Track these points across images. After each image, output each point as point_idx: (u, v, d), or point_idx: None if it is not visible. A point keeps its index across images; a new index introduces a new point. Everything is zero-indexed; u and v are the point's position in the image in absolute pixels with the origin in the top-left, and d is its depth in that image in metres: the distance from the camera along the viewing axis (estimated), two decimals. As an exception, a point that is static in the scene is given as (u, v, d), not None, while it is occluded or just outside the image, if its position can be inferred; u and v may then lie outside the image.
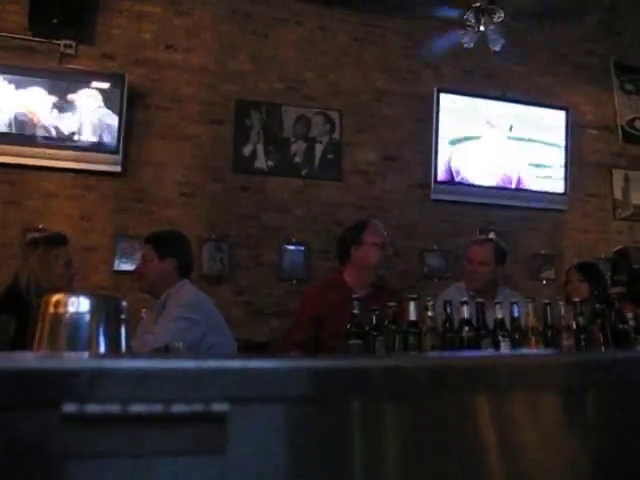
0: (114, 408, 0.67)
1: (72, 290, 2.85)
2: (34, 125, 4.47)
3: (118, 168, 4.64)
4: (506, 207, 5.54)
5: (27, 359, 0.75)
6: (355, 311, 2.29)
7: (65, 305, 1.06)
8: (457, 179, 5.41)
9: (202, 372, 0.71)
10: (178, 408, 0.68)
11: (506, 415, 0.93)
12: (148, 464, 0.69)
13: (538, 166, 5.65)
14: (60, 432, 0.66)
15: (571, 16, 5.85)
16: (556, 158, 5.69)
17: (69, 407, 0.66)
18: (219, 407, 0.70)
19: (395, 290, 3.36)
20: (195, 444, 0.69)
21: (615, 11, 6.27)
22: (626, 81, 6.20)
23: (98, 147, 4.57)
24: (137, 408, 0.67)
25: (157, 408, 0.68)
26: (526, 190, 5.59)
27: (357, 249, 3.13)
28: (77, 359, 0.81)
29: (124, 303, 1.16)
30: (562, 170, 5.68)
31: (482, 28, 5.16)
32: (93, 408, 0.66)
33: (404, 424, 0.86)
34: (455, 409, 0.89)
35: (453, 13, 5.31)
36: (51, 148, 4.48)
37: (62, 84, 4.57)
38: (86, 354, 0.99)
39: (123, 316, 1.13)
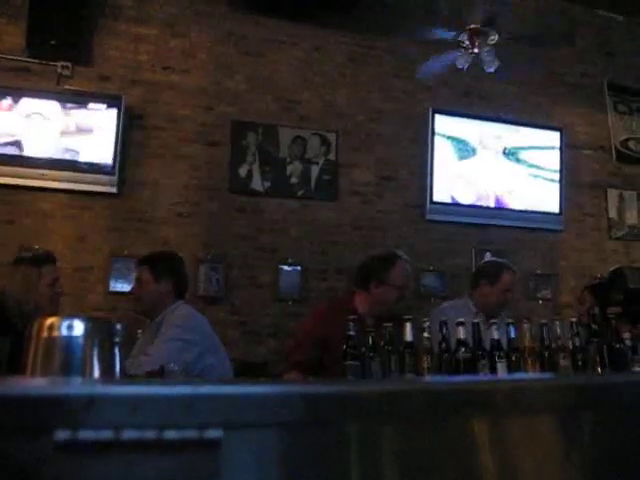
0: (107, 435, 0.66)
1: (56, 311, 2.81)
2: (31, 146, 4.48)
3: (114, 189, 4.64)
4: (502, 227, 5.55)
5: (19, 385, 0.74)
6: (351, 332, 2.28)
7: (59, 329, 1.05)
8: (452, 199, 5.44)
9: (195, 398, 0.70)
10: (171, 434, 0.68)
11: (503, 438, 0.92)
12: (141, 491, 0.69)
13: (533, 186, 5.67)
14: (53, 459, 0.65)
15: (564, 38, 5.91)
16: (551, 178, 5.72)
17: (62, 434, 0.65)
18: (213, 433, 0.69)
19: (399, 314, 3.32)
20: (189, 471, 0.69)
21: (608, 32, 6.34)
22: (620, 102, 6.25)
23: (95, 168, 4.57)
24: (130, 434, 0.67)
25: (150, 434, 0.67)
26: (522, 210, 5.61)
27: (377, 286, 3.03)
28: (70, 385, 0.81)
29: (118, 326, 1.16)
30: (557, 190, 5.70)
31: (476, 50, 5.21)
32: (86, 435, 0.66)
33: (400, 449, 0.85)
34: (452, 432, 0.88)
35: (448, 35, 5.36)
36: (47, 169, 4.48)
37: (59, 105, 4.58)
38: (79, 380, 0.99)
39: (117, 339, 1.13)
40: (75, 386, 0.79)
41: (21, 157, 4.45)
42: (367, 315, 2.95)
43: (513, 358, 2.35)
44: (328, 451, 0.79)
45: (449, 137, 5.49)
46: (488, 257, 4.87)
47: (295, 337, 3.29)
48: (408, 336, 2.25)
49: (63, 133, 4.56)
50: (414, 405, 0.85)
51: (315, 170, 5.18)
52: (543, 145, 5.75)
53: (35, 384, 0.85)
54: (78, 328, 1.07)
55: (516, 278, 3.50)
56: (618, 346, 2.52)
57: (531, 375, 2.14)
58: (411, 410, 0.84)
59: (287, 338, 4.39)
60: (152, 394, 0.70)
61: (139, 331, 3.09)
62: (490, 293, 3.36)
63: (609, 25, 6.36)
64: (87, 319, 1.08)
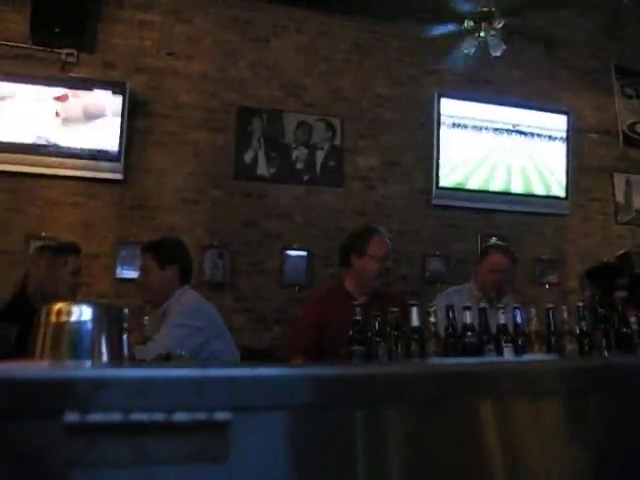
0: (116, 417, 0.67)
1: (74, 299, 2.85)
2: (36, 133, 4.48)
3: (120, 176, 4.64)
4: (508, 212, 5.54)
5: (29, 368, 0.75)
6: (357, 317, 2.28)
7: (67, 314, 1.06)
8: (458, 184, 5.43)
9: (204, 381, 0.71)
10: (180, 417, 0.68)
11: (510, 420, 0.92)
12: (150, 473, 0.69)
13: (539, 170, 5.65)
14: (63, 441, 0.66)
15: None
16: (558, 162, 5.70)
17: (71, 416, 0.65)
18: (222, 416, 0.70)
19: (394, 295, 3.33)
20: (197, 453, 0.69)
21: (616, 15, 6.28)
22: (627, 85, 6.21)
23: (100, 155, 4.57)
24: (139, 417, 0.67)
25: (159, 417, 0.68)
26: (528, 195, 5.59)
27: (358, 259, 3.10)
28: (79, 368, 0.81)
29: (126, 311, 1.16)
30: (563, 174, 5.68)
31: (482, 34, 5.18)
32: (95, 417, 0.66)
33: (407, 431, 0.85)
34: (458, 414, 0.89)
35: (454, 20, 5.32)
36: (53, 156, 4.48)
37: (63, 92, 4.58)
38: (88, 363, 0.99)
39: (125, 325, 1.13)
40: (85, 369, 0.80)
41: (26, 145, 4.45)
42: (357, 293, 3.04)
43: (520, 343, 2.35)
44: (335, 434, 0.80)
45: (455, 122, 5.47)
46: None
47: (295, 325, 3.32)
48: (414, 321, 2.25)
49: (68, 120, 4.55)
50: (421, 387, 0.85)
51: (320, 156, 5.18)
52: (550, 129, 5.72)
53: (45, 368, 0.85)
54: (86, 313, 1.07)
55: (509, 260, 3.33)
56: (625, 330, 2.51)
57: (538, 357, 2.14)
58: (418, 392, 0.84)
59: (293, 324, 4.40)
60: (161, 377, 0.71)
61: (146, 318, 3.10)
62: (479, 273, 3.34)
63: (616, 8, 6.30)
64: (95, 304, 1.09)
